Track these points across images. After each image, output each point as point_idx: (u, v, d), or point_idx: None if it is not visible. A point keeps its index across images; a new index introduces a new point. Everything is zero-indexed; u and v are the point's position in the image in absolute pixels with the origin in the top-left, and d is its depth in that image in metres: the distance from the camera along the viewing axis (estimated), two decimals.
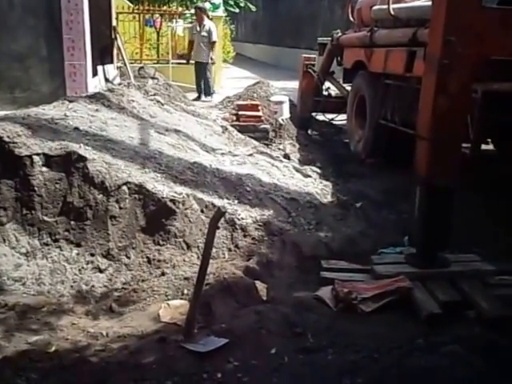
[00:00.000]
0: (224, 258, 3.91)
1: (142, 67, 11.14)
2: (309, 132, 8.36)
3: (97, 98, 5.71)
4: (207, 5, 12.19)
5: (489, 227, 4.60)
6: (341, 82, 8.23)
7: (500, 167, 5.85)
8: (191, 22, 13.33)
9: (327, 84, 8.47)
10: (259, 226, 4.22)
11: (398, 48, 5.75)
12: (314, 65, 8.58)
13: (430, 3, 3.93)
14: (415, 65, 5.22)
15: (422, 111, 3.70)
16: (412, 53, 5.35)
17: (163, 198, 3.99)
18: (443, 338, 3.00)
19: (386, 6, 6.09)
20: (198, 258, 3.73)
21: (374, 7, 6.59)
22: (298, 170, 5.71)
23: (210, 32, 10.79)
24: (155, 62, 13.23)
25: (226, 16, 19.03)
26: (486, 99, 4.32)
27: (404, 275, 3.51)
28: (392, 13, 6.01)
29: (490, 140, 5.78)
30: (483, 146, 5.28)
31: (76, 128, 4.63)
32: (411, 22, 5.71)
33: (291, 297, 3.48)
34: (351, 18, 7.90)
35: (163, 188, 4.09)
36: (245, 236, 4.12)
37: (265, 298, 3.40)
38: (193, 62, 11.28)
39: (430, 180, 3.54)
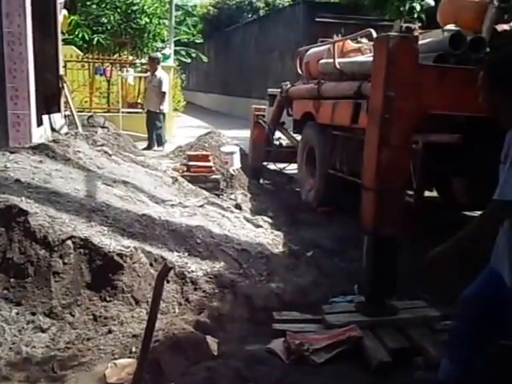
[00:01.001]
0: (174, 312, 3.87)
1: (91, 116, 11.16)
2: (260, 181, 8.50)
3: (41, 148, 5.63)
4: (159, 55, 12.42)
5: (434, 273, 4.73)
6: (291, 132, 8.45)
7: (443, 213, 6.09)
8: (142, 71, 13.53)
9: (278, 134, 8.68)
10: (210, 278, 4.22)
11: (344, 100, 5.98)
12: (264, 115, 8.79)
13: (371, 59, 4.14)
14: (360, 117, 5.43)
15: (366, 162, 3.85)
16: (357, 105, 5.58)
17: (110, 252, 3.94)
18: None
19: (332, 60, 6.35)
20: (147, 313, 3.68)
21: (321, 61, 6.87)
22: (249, 221, 5.77)
23: (160, 82, 10.96)
24: (105, 110, 13.26)
25: (177, 66, 19.35)
26: (427, 150, 4.54)
27: (354, 324, 3.57)
28: (338, 67, 6.28)
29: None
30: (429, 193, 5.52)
31: (17, 180, 4.54)
32: (356, 76, 5.97)
33: (243, 350, 3.47)
34: (300, 71, 8.18)
35: (110, 242, 4.05)
36: (195, 289, 4.11)
37: (216, 353, 3.38)
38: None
39: (376, 230, 3.66)
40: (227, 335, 3.67)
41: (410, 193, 4.86)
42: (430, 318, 3.72)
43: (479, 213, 6.75)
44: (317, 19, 12.68)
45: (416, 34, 6.00)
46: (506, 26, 4.81)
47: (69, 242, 3.89)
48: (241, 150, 8.27)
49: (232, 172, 7.21)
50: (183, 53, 21.29)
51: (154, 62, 11.21)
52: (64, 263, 3.83)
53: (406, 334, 3.54)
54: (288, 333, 3.54)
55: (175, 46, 17.42)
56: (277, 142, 8.63)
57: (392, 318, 3.68)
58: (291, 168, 8.50)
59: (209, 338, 3.45)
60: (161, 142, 11.08)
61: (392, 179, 3.65)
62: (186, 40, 22.54)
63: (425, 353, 3.33)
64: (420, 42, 4.65)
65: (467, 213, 6.66)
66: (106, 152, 6.59)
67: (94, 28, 13.74)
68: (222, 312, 3.91)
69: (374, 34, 5.51)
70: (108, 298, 3.81)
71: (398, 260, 3.87)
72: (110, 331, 3.58)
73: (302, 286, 4.37)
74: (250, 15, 28.17)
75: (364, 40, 6.89)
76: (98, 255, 3.90)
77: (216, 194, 6.92)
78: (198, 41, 24.01)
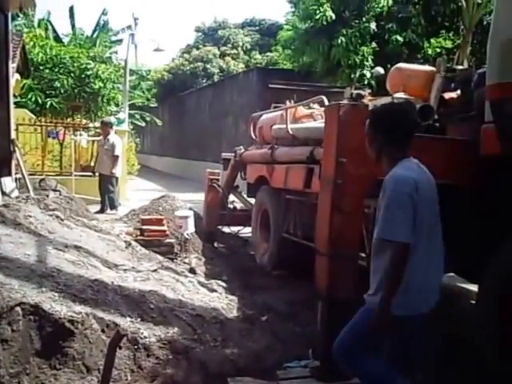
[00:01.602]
0: (126, 380, 3.79)
1: (42, 179, 11.02)
2: (215, 245, 8.51)
3: None
4: (113, 119, 12.50)
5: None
6: (245, 195, 8.56)
7: None
8: (95, 135, 13.56)
9: (232, 197, 8.77)
10: (163, 344, 4.16)
11: (297, 165, 6.14)
12: (218, 179, 8.90)
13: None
14: (313, 181, 5.57)
15: (319, 227, 3.94)
16: (310, 170, 5.72)
17: (61, 318, 3.85)
18: None
19: (284, 126, 6.55)
20: (99, 382, 3.60)
21: (274, 126, 7.07)
22: (203, 285, 5.75)
23: (113, 146, 11.01)
24: (58, 173, 13.15)
25: (131, 129, 19.49)
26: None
27: None
28: (290, 132, 6.47)
29: None
30: None
31: None
32: (308, 141, 6.16)
33: None
34: (253, 136, 8.37)
35: (61, 308, 3.97)
36: (148, 356, 4.03)
37: None
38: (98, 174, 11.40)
39: (330, 294, 3.71)
40: None
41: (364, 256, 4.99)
42: None
43: None
44: (270, 85, 13.06)
45: (366, 100, 6.33)
46: (452, 94, 5.09)
47: (18, 309, 3.80)
48: (195, 213, 8.30)
49: (186, 236, 7.21)
50: (138, 116, 21.51)
51: (106, 126, 11.29)
52: (12, 330, 3.71)
53: None
54: None
55: (130, 109, 17.64)
56: (231, 206, 8.71)
57: (346, 383, 3.68)
58: (245, 231, 8.55)
59: None
60: (113, 206, 11.01)
61: (345, 244, 3.73)
62: (140, 104, 22.80)
63: None
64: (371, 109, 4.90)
65: None
66: (57, 216, 6.52)
67: (47, 92, 13.78)
68: (175, 379, 3.85)
69: (326, 101, 5.74)
70: (58, 366, 3.71)
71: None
72: None
73: (256, 351, 4.35)
74: (204, 80, 28.82)
75: (316, 106, 7.14)
76: (48, 322, 3.81)
77: (170, 258, 6.89)
78: (152, 105, 24.33)
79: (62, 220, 6.49)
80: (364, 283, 4.30)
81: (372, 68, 12.12)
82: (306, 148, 5.98)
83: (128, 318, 4.28)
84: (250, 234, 8.22)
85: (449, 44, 13.78)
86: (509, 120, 3.43)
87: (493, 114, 3.57)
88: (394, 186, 2.80)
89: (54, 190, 9.81)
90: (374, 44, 13.14)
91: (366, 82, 12.26)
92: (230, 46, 32.53)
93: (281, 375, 3.87)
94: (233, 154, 8.65)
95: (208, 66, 29.44)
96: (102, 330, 4.00)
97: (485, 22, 12.08)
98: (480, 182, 3.95)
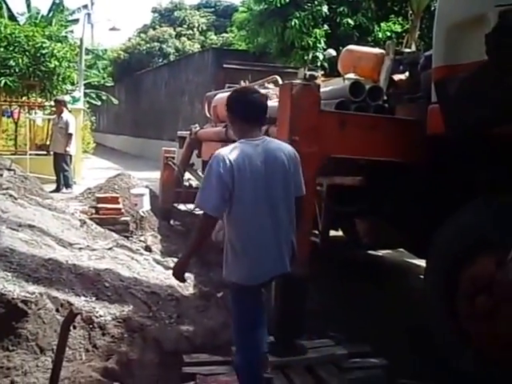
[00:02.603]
0: (81, 359, 3.67)
1: None
2: (171, 223, 8.35)
3: None
4: (67, 97, 12.10)
5: (342, 311, 4.83)
6: (200, 173, 8.42)
7: (349, 252, 6.25)
8: (51, 114, 13.14)
9: (188, 175, 8.63)
10: (119, 322, 4.05)
11: None
12: (174, 157, 8.73)
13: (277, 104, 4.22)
14: None
15: None
16: None
17: (14, 298, 3.70)
18: None
19: None
20: (53, 361, 3.47)
21: None
22: (159, 263, 5.64)
23: (67, 124, 10.70)
24: (12, 153, 12.71)
25: (87, 108, 18.97)
26: (331, 192, 4.66)
27: None
28: None
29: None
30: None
31: None
32: None
33: None
34: (208, 114, 8.24)
35: (14, 288, 3.81)
36: (103, 334, 3.92)
37: None
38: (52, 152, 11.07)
39: None
40: (136, 381, 3.53)
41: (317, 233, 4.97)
42: (338, 357, 3.73)
43: (383, 252, 7.04)
44: (224, 65, 12.90)
45: (319, 81, 6.28)
46: (401, 76, 5.09)
47: None
48: (151, 191, 8.13)
49: (142, 214, 7.05)
50: (93, 95, 20.93)
51: (60, 105, 10.96)
52: None
53: (314, 374, 3.53)
54: (198, 376, 3.45)
55: (86, 88, 17.12)
56: (187, 184, 8.56)
57: (301, 358, 3.66)
58: None
59: None
60: (68, 184, 10.71)
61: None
62: (96, 83, 22.19)
63: None
64: (323, 90, 4.84)
65: (372, 252, 6.91)
66: (11, 195, 6.27)
67: (2, 70, 13.22)
68: (131, 357, 3.74)
69: (280, 81, 5.66)
70: (11, 347, 3.56)
71: (307, 300, 3.90)
72: (12, 382, 3.33)
73: (212, 327, 4.28)
74: (160, 60, 28.27)
75: (271, 86, 7.05)
76: (0, 303, 3.65)
77: (125, 237, 6.72)
78: (108, 84, 23.69)
79: (16, 199, 6.25)
80: (318, 260, 4.32)
81: (324, 50, 12.10)
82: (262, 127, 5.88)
83: (83, 297, 4.15)
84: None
85: (398, 28, 13.86)
86: (451, 100, 3.45)
87: (437, 95, 3.59)
88: (210, 162, 2.95)
89: (8, 170, 9.43)
90: (326, 27, 13.11)
91: (318, 64, 12.23)
92: (185, 26, 32.00)
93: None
94: (188, 133, 8.49)
95: (164, 46, 28.89)
96: (57, 310, 3.87)
97: (432, 8, 12.17)
98: (427, 160, 3.96)
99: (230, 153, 2.92)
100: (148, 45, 29.14)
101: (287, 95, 3.74)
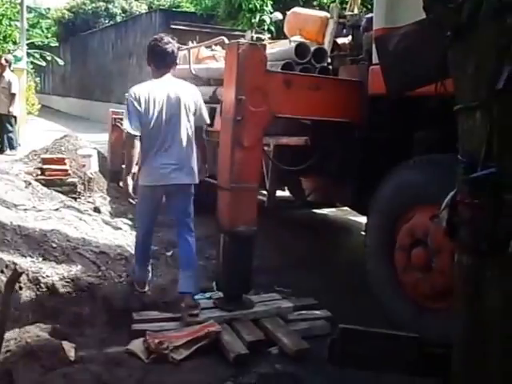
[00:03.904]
0: (28, 320, 3.58)
1: None
2: (120, 184, 8.18)
3: None
4: (9, 57, 11.54)
5: (288, 267, 4.91)
6: None
7: (296, 211, 6.32)
8: None
9: None
10: (67, 282, 3.96)
11: None
12: (122, 119, 8.50)
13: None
14: (216, 120, 5.44)
15: (221, 164, 3.86)
16: (212, 109, 5.57)
17: None
18: (250, 377, 3.11)
19: (187, 66, 6.30)
20: None
21: (177, 67, 6.76)
22: (107, 223, 5.54)
23: (9, 84, 10.24)
24: None
25: (31, 69, 18.19)
26: (278, 151, 4.67)
27: (213, 319, 3.55)
28: (193, 72, 6.24)
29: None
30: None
31: None
32: (211, 82, 5.97)
33: (102, 354, 3.31)
34: None
35: None
36: (51, 294, 3.84)
37: (73, 359, 3.18)
38: None
39: (231, 228, 3.67)
40: (85, 340, 3.48)
41: (264, 192, 4.98)
42: (284, 310, 3.80)
43: (328, 210, 7.12)
44: (172, 26, 12.56)
45: (266, 43, 6.20)
46: (344, 40, 5.09)
47: None
48: (99, 153, 7.92)
49: (90, 175, 6.88)
50: (37, 56, 20.06)
51: (1, 64, 10.43)
52: None
53: (261, 327, 3.58)
54: (148, 332, 3.43)
55: (29, 48, 16.38)
56: None
57: (248, 312, 3.70)
58: None
59: (65, 344, 3.22)
60: (13, 146, 10.31)
61: (245, 179, 3.68)
62: (40, 43, 21.26)
63: (279, 343, 3.39)
64: (269, 51, 4.77)
65: (317, 210, 7.00)
66: None
67: None
68: (79, 316, 3.70)
69: (227, 42, 5.55)
70: None
71: (254, 256, 3.93)
72: None
73: (161, 285, 4.27)
74: (106, 21, 27.24)
75: (218, 48, 6.93)
76: None
77: (73, 198, 6.55)
78: (53, 44, 22.75)
79: None
80: (263, 217, 4.34)
81: (271, 13, 11.94)
82: (209, 88, 5.80)
83: (29, 258, 4.04)
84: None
85: None
86: (390, 57, 3.46)
87: (377, 52, 3.60)
88: (127, 97, 3.80)
89: None
90: None
91: (265, 27, 12.08)
92: None
93: None
94: None
95: (110, 6, 27.71)
96: (1, 271, 3.75)
97: None
98: (368, 120, 4.00)
99: (139, 88, 3.79)
100: (93, 4, 27.93)
101: (234, 55, 3.67)
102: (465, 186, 1.67)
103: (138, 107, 3.68)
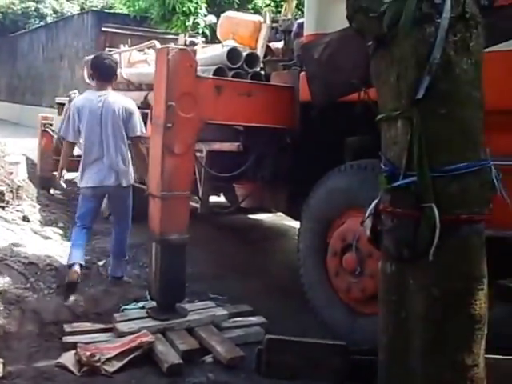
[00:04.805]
0: None
1: None
2: (51, 192, 7.90)
3: None
4: None
5: (224, 274, 4.87)
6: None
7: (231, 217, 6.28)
8: None
9: None
10: None
11: None
12: (52, 124, 8.23)
13: None
14: (147, 126, 5.32)
15: (151, 170, 3.78)
16: (145, 115, 5.45)
17: None
18: None
19: (119, 70, 6.15)
20: None
21: None
22: (37, 233, 5.33)
23: None
24: None
25: None
26: (211, 157, 4.62)
27: (146, 329, 3.46)
28: (125, 77, 6.11)
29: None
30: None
31: None
32: (143, 86, 5.86)
33: (31, 368, 3.17)
34: (87, 80, 7.80)
35: None
36: None
37: (1, 375, 3.02)
38: None
39: (163, 236, 3.59)
40: (14, 354, 3.33)
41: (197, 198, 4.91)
42: (218, 318, 3.75)
43: (263, 215, 7.12)
44: (102, 28, 12.26)
45: (200, 47, 6.14)
46: (278, 44, 5.10)
47: None
48: (29, 159, 7.62)
49: (18, 183, 6.59)
50: None
51: None
52: None
53: (195, 335, 3.52)
54: (79, 345, 3.31)
55: None
56: None
57: (182, 321, 3.63)
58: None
59: None
60: None
61: (177, 186, 3.62)
62: None
63: (213, 351, 3.35)
64: (202, 56, 4.73)
65: (253, 216, 7.00)
66: None
67: None
68: (7, 330, 3.53)
69: (158, 46, 5.47)
70: None
71: (189, 263, 3.87)
72: None
73: (93, 296, 4.15)
74: (37, 22, 26.30)
75: (151, 51, 6.80)
76: None
77: (1, 207, 6.25)
78: None
79: None
80: (197, 223, 4.28)
81: (206, 16, 11.85)
82: (141, 93, 5.70)
83: None
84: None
85: None
86: (315, 65, 3.48)
87: (303, 60, 3.62)
88: (69, 107, 4.56)
89: None
90: None
91: (200, 30, 11.96)
92: None
93: (118, 318, 3.70)
94: (67, 99, 8.00)
95: (40, 6, 26.76)
96: None
97: None
98: (300, 126, 4.02)
99: (78, 100, 4.44)
100: (23, 4, 26.89)
101: (163, 60, 3.60)
102: (387, 194, 1.69)
103: (78, 117, 4.23)
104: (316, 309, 3.77)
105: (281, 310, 4.16)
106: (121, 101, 4.34)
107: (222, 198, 6.42)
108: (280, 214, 5.88)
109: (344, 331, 3.48)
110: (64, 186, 4.61)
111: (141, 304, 3.93)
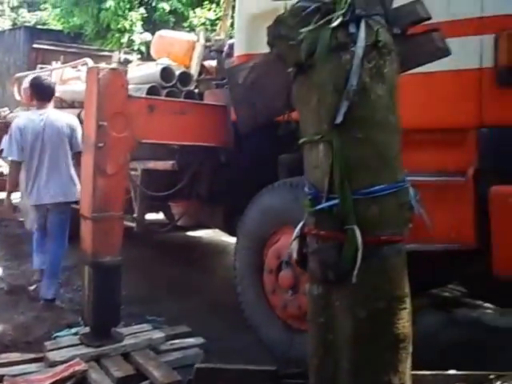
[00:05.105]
0: None
1: None
2: None
3: None
4: None
5: (161, 294, 4.79)
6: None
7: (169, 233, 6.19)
8: None
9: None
10: None
11: None
12: None
13: None
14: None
15: (83, 191, 3.68)
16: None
17: None
18: None
19: None
20: None
21: None
22: None
23: None
24: None
25: None
26: (145, 176, 4.56)
27: (79, 357, 3.32)
28: (57, 94, 5.94)
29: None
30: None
31: None
32: (75, 104, 5.73)
33: None
34: (19, 97, 7.57)
35: None
36: None
37: None
38: None
39: (95, 258, 3.49)
40: None
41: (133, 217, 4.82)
42: (156, 341, 3.64)
43: (201, 232, 7.04)
44: (34, 45, 11.95)
45: (135, 65, 6.07)
46: (213, 63, 5.11)
47: None
48: None
49: None
50: None
51: None
52: None
53: (131, 361, 3.40)
54: (6, 378, 3.14)
55: None
56: None
57: (118, 346, 3.50)
58: (15, 197, 7.75)
59: None
60: None
61: (109, 207, 3.53)
62: None
63: (150, 376, 3.24)
64: (136, 74, 4.69)
65: (191, 233, 6.93)
66: None
67: None
68: None
69: (90, 63, 5.38)
70: None
71: (125, 284, 3.77)
72: None
73: (23, 323, 3.98)
74: None
75: (84, 68, 6.67)
76: None
77: None
78: None
79: None
80: (134, 243, 4.20)
81: (141, 34, 11.78)
82: (74, 110, 5.54)
83: None
84: (19, 200, 7.47)
85: (212, 15, 13.95)
86: (239, 88, 3.48)
87: (228, 83, 3.63)
88: (11, 126, 4.47)
89: None
90: (142, 10, 12.76)
91: (135, 47, 11.87)
92: None
93: (49, 346, 3.53)
94: None
95: None
96: None
97: None
98: (235, 144, 4.02)
99: (20, 120, 4.49)
100: None
101: (94, 80, 3.52)
102: (311, 217, 1.71)
103: (20, 137, 4.30)
104: (254, 327, 3.75)
105: (221, 328, 4.11)
106: (63, 118, 4.48)
107: (161, 215, 6.33)
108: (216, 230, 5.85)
109: (282, 348, 3.48)
110: (13, 213, 4.69)
111: (74, 330, 3.78)
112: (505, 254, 2.58)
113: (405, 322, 1.65)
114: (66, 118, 4.49)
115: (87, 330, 3.67)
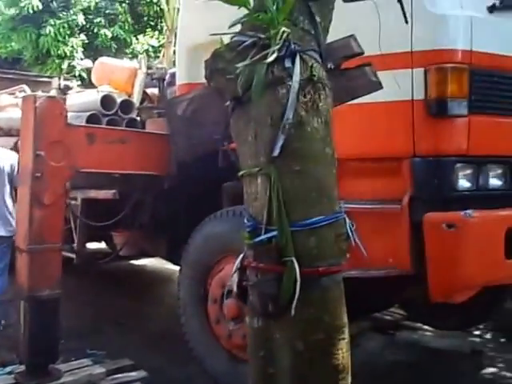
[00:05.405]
0: None
1: None
2: None
3: None
4: None
5: (103, 327, 4.65)
6: None
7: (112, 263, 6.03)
8: None
9: None
10: None
11: None
12: None
13: None
14: None
15: (19, 223, 3.57)
16: None
17: None
18: None
19: None
20: None
21: None
22: None
23: None
24: None
25: None
26: (86, 205, 4.45)
27: None
28: None
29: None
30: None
31: None
32: (12, 132, 5.56)
33: None
34: None
35: None
36: None
37: None
38: None
39: (32, 293, 3.36)
40: None
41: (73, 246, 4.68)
42: (96, 376, 3.54)
43: (145, 260, 6.92)
44: None
45: (75, 91, 5.96)
46: (155, 91, 5.08)
47: None
48: None
49: None
50: None
51: None
52: None
53: None
54: None
55: None
56: None
57: None
58: None
59: None
60: None
61: (46, 239, 3.42)
62: None
63: None
64: (76, 101, 4.61)
65: (135, 261, 6.78)
66: None
67: None
68: None
69: (28, 90, 5.25)
70: None
71: (65, 318, 3.64)
72: None
73: None
74: None
75: (23, 95, 6.51)
76: None
77: None
78: None
79: None
80: (74, 274, 4.06)
81: (82, 60, 11.63)
82: (11, 139, 5.38)
83: None
84: None
85: (155, 42, 13.96)
86: (177, 120, 3.48)
87: (166, 114, 3.62)
88: None
89: None
90: (83, 36, 12.69)
91: (76, 73, 11.68)
92: None
93: None
94: None
95: None
96: None
97: None
98: (177, 172, 3.99)
99: None
100: None
101: (30, 108, 3.44)
102: (250, 249, 1.70)
103: None
104: (199, 358, 3.68)
105: (165, 360, 4.03)
106: (7, 155, 4.52)
107: (103, 245, 6.17)
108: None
109: (227, 379, 3.44)
110: None
111: (8, 369, 3.61)
112: (439, 278, 2.66)
113: (344, 352, 1.65)
114: (6, 153, 4.54)
115: (23, 368, 3.51)
